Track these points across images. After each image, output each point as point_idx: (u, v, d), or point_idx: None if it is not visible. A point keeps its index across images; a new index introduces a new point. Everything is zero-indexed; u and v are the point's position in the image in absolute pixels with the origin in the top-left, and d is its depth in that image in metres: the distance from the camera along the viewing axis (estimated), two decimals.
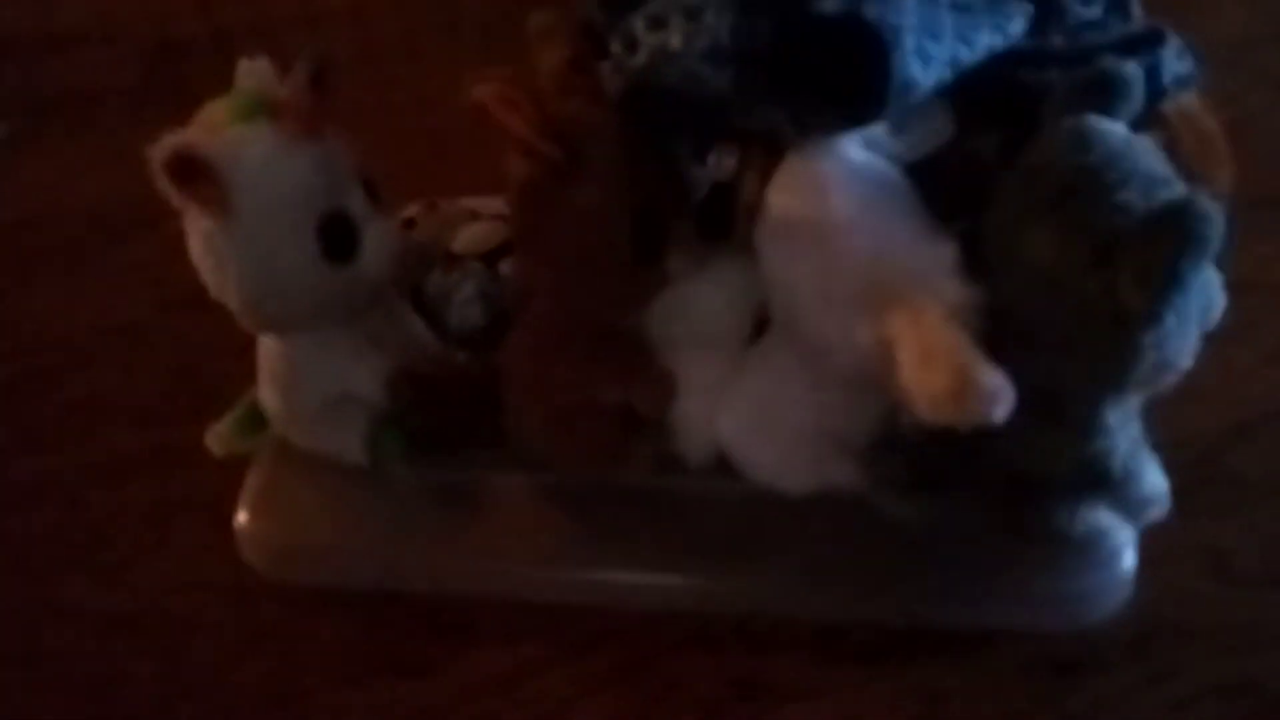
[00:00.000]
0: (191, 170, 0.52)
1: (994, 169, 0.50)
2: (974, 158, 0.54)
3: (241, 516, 0.64)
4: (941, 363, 0.42)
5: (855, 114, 0.47)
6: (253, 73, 0.58)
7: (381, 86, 1.38)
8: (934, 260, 0.46)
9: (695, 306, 0.59)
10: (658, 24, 0.50)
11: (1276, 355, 0.72)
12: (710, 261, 0.57)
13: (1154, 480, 0.54)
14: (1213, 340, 0.49)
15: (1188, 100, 0.56)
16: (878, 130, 0.51)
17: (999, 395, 0.42)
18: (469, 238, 0.75)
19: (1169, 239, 0.41)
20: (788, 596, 0.60)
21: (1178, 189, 0.44)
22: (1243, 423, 0.68)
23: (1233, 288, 0.57)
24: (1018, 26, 0.51)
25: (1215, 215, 0.41)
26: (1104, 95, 0.47)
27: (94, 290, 0.87)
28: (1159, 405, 0.52)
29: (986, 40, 0.49)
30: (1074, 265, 0.44)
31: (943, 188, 0.53)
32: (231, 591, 0.64)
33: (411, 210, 0.77)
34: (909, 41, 0.45)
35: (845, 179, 0.49)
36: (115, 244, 0.91)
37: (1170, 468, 0.55)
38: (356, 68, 1.47)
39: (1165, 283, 0.41)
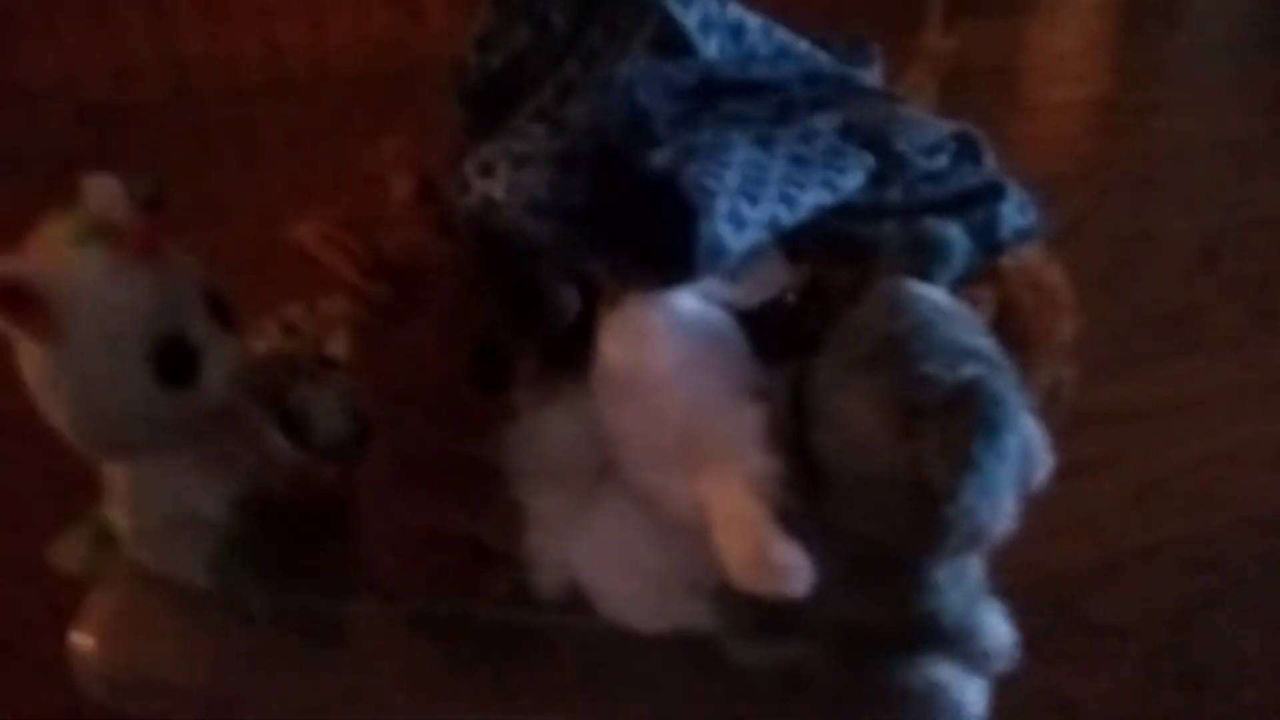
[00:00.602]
0: (18, 297, 0.51)
1: (832, 310, 0.51)
2: (825, 297, 0.54)
3: (78, 638, 0.61)
4: (742, 533, 0.42)
5: (667, 276, 0.47)
6: (97, 190, 0.57)
7: (305, 165, 1.39)
8: (743, 427, 0.46)
9: (546, 437, 0.58)
10: (486, 171, 0.50)
11: (1150, 489, 0.73)
12: (563, 391, 0.57)
13: (997, 632, 0.53)
14: (1078, 473, 0.49)
15: (1026, 254, 0.56)
16: (711, 280, 0.51)
17: (794, 572, 0.42)
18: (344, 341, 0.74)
19: (963, 420, 0.41)
20: None
21: (981, 365, 0.44)
22: (1105, 562, 0.68)
23: (1113, 416, 0.56)
24: (852, 182, 0.52)
25: (1008, 396, 0.40)
26: (925, 257, 0.48)
27: None
28: (1016, 545, 0.52)
29: (814, 198, 0.50)
30: (880, 432, 0.44)
31: (778, 328, 0.53)
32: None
33: (292, 311, 0.76)
34: (722, 206, 0.45)
35: (670, 332, 0.48)
36: None
37: (1024, 612, 0.54)
38: (279, 144, 1.50)
39: (962, 463, 0.41)
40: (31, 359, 0.54)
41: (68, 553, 0.63)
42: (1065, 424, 0.48)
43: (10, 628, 0.68)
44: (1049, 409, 0.53)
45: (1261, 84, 1.37)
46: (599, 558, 0.57)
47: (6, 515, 0.75)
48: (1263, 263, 0.95)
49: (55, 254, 0.53)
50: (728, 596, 0.55)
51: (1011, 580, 0.54)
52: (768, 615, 0.54)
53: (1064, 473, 0.47)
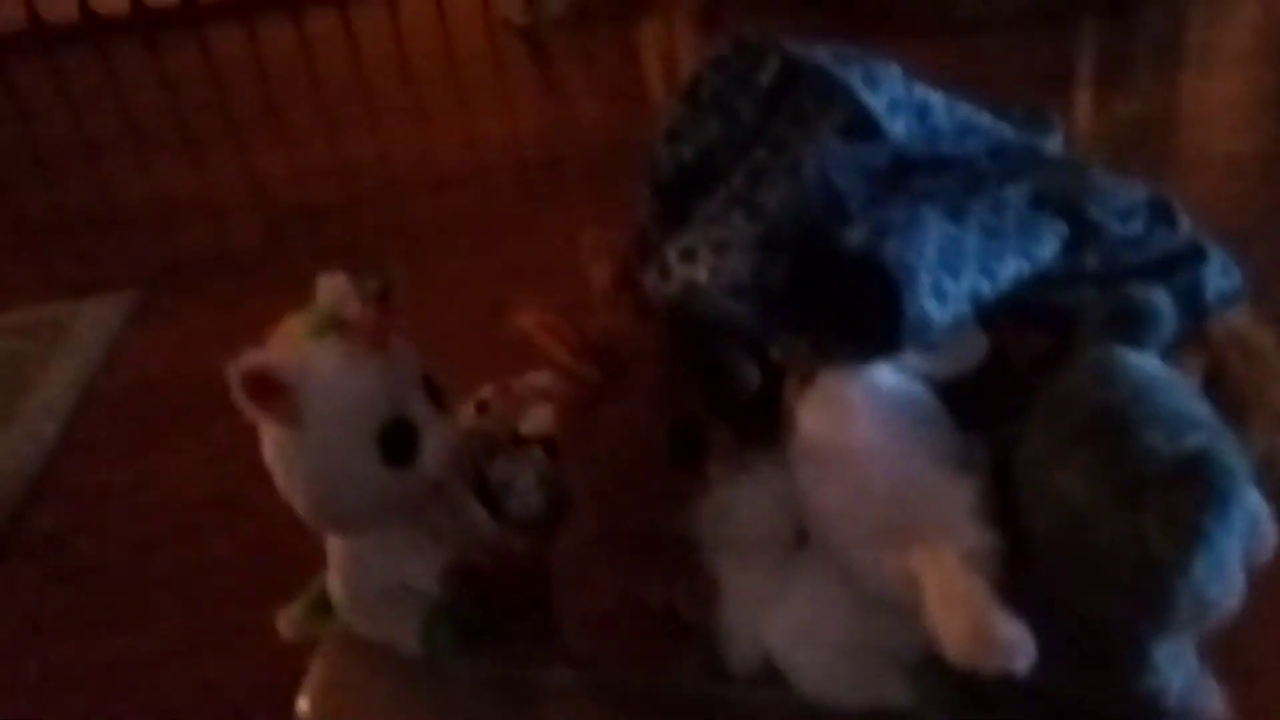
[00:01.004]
0: (265, 386, 0.56)
1: (1031, 378, 0.51)
2: (1011, 367, 0.54)
3: (302, 704, 0.66)
4: (960, 610, 0.42)
5: (870, 350, 0.48)
6: (330, 288, 0.63)
7: (474, 252, 1.47)
8: (956, 502, 0.46)
9: (739, 509, 0.59)
10: (688, 256, 0.52)
11: None
12: (754, 465, 0.58)
13: (1215, 713, 0.51)
14: None
15: (1234, 317, 0.55)
16: (909, 352, 0.52)
17: (1017, 648, 0.41)
18: (538, 420, 0.78)
19: (1191, 492, 0.40)
20: None
21: (1204, 434, 0.43)
22: None
23: None
24: (1048, 250, 0.52)
25: (1237, 468, 0.40)
26: (1133, 325, 0.47)
27: (198, 458, 0.94)
28: (1242, 624, 0.50)
29: (1012, 270, 0.50)
30: (1099, 505, 0.43)
31: (974, 393, 0.53)
32: None
33: (485, 392, 0.81)
34: (925, 280, 0.46)
35: (872, 406, 0.49)
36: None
37: (1249, 697, 0.52)
38: (444, 235, 1.58)
39: (1191, 535, 0.40)
40: (271, 441, 0.59)
41: (290, 621, 0.68)
42: None
43: (241, 694, 0.73)
44: (1268, 478, 0.51)
45: None
46: (794, 632, 0.58)
47: (234, 586, 0.81)
48: None
49: (295, 346, 0.59)
50: (930, 671, 0.55)
51: (1235, 665, 0.51)
52: (976, 692, 0.53)
53: None
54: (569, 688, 0.65)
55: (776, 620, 0.58)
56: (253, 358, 0.56)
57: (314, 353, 0.58)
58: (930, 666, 0.54)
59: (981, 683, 0.52)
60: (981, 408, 0.52)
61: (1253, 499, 0.44)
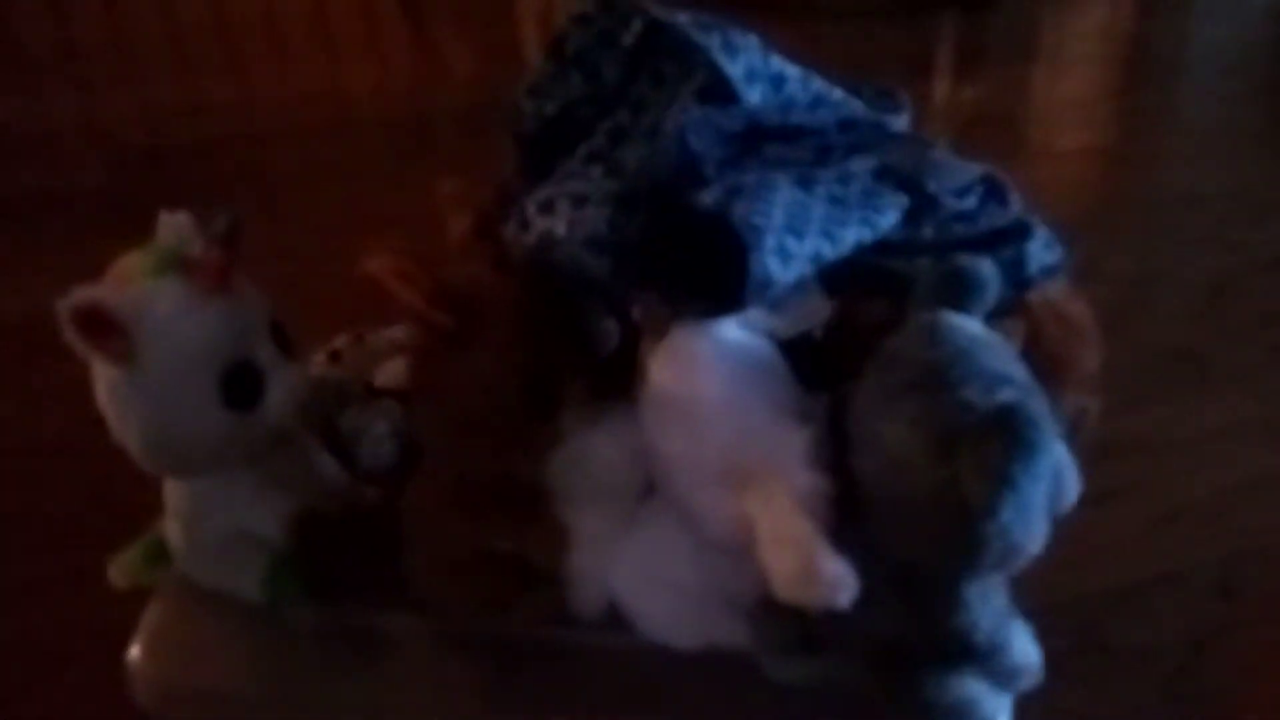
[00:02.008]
0: (99, 324, 0.54)
1: (874, 341, 0.53)
2: (856, 331, 0.57)
3: (134, 652, 0.64)
4: (789, 548, 0.44)
5: (717, 305, 0.50)
6: (172, 226, 0.60)
7: (336, 206, 1.43)
8: (789, 447, 0.48)
9: (591, 460, 0.60)
10: (547, 209, 0.53)
11: (1170, 517, 0.75)
12: (607, 416, 0.60)
13: (1024, 650, 0.56)
14: (1099, 503, 0.51)
15: (1053, 289, 0.59)
16: (754, 310, 0.54)
17: (841, 584, 0.44)
18: (392, 372, 0.77)
19: (1000, 441, 0.43)
20: None
21: (1016, 390, 0.46)
22: (1125, 588, 0.70)
23: (1127, 448, 0.58)
24: (889, 220, 0.55)
25: (1044, 421, 0.43)
26: (960, 291, 0.51)
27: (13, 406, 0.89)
28: (1041, 569, 0.54)
29: (854, 235, 0.53)
30: (920, 455, 0.46)
31: (819, 355, 0.56)
32: None
33: (338, 342, 0.79)
34: (770, 241, 0.48)
35: (715, 358, 0.51)
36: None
37: (1047, 634, 0.56)
38: (306, 187, 1.54)
39: (999, 482, 0.44)
40: (105, 382, 0.57)
41: (123, 569, 0.66)
42: (1086, 455, 0.51)
43: (65, 643, 0.70)
44: (1075, 437, 0.55)
45: (1266, 128, 1.41)
46: (638, 577, 0.59)
47: (59, 535, 0.77)
48: (1271, 301, 0.98)
49: (133, 284, 0.56)
50: (765, 613, 0.57)
51: (1035, 604, 0.56)
52: (804, 632, 0.56)
53: (1085, 502, 0.50)
54: (416, 636, 0.65)
55: (621, 565, 0.60)
56: (85, 294, 0.54)
57: (152, 290, 0.56)
58: (766, 609, 0.57)
59: (811, 624, 0.55)
60: (828, 369, 0.55)
61: (1058, 451, 0.47)
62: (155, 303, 0.56)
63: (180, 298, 0.56)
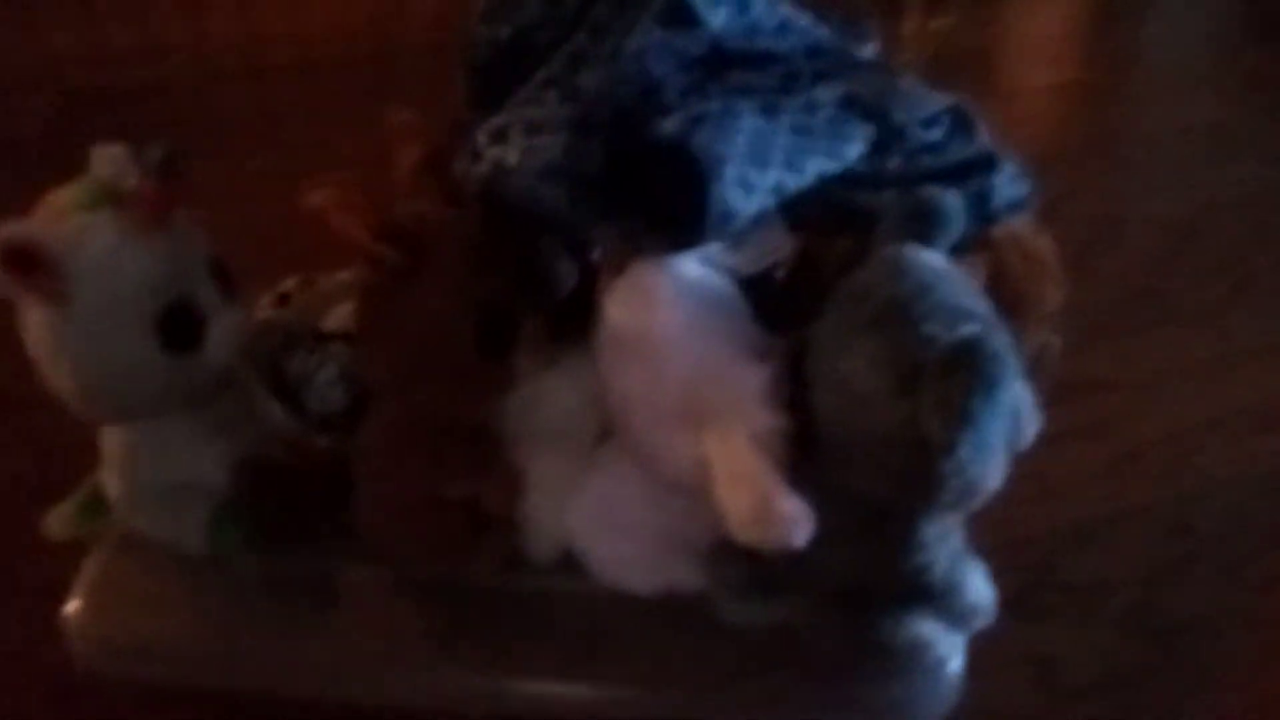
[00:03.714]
0: (29, 260, 0.51)
1: (838, 280, 0.52)
2: (819, 269, 0.56)
3: (72, 605, 0.62)
4: (745, 487, 0.43)
5: (677, 239, 0.48)
6: (106, 159, 0.57)
7: (295, 147, 1.39)
8: (747, 386, 0.47)
9: (547, 403, 0.59)
10: (499, 137, 0.51)
11: (1127, 455, 0.75)
12: (564, 358, 0.58)
13: (979, 590, 0.55)
14: (1056, 441, 0.51)
15: (1018, 223, 0.58)
16: (714, 246, 0.52)
17: (797, 522, 0.43)
18: (342, 315, 0.75)
19: (961, 376, 0.42)
20: (630, 700, 0.60)
21: (978, 325, 0.45)
22: (1081, 526, 0.70)
23: (1091, 385, 0.57)
24: (854, 151, 0.53)
25: (1004, 354, 0.42)
26: (925, 224, 0.49)
27: None
28: (998, 507, 0.54)
29: (818, 166, 0.51)
30: (881, 390, 0.45)
31: (782, 296, 0.54)
32: (57, 688, 0.62)
33: (288, 285, 0.77)
34: (731, 172, 0.46)
35: (673, 295, 0.50)
36: None
37: (1003, 572, 0.56)
38: (263, 128, 1.49)
39: (959, 417, 0.43)
40: (36, 323, 0.54)
41: (60, 520, 0.64)
42: (1047, 393, 0.50)
43: (3, 595, 0.68)
44: (1037, 373, 0.54)
45: (1233, 69, 1.40)
46: (594, 521, 0.59)
47: None
48: (1235, 241, 0.97)
49: (65, 219, 0.53)
50: (722, 555, 0.57)
51: (991, 542, 0.56)
52: (761, 574, 0.55)
53: (1044, 439, 0.49)
54: (369, 584, 0.64)
55: (577, 510, 0.59)
56: (13, 229, 0.51)
57: (85, 225, 0.53)
58: (722, 551, 0.56)
59: (768, 565, 0.54)
60: (791, 309, 0.53)
61: (1018, 387, 0.47)
62: (88, 238, 0.53)
63: (115, 233, 0.53)
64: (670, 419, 0.49)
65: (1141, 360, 0.81)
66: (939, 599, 0.54)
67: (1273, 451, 0.75)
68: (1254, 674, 0.62)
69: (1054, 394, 0.50)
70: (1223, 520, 0.71)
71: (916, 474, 0.46)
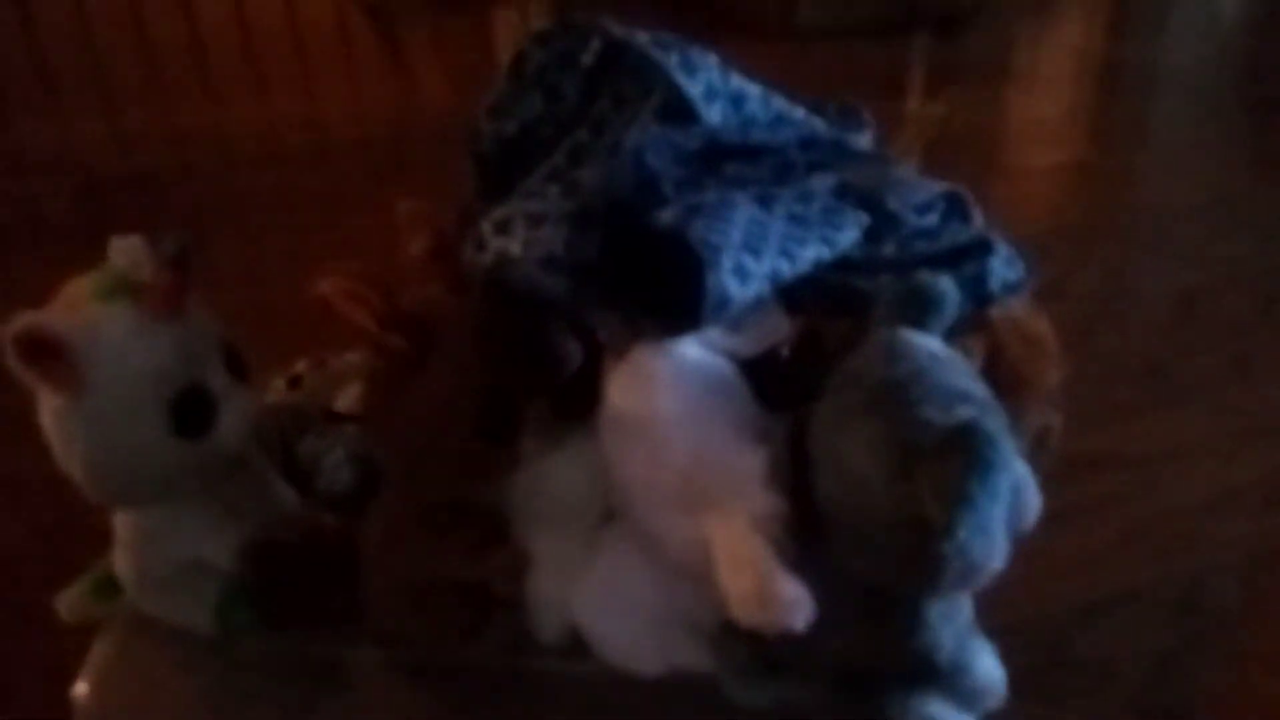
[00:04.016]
0: (46, 349, 0.53)
1: (835, 358, 0.53)
2: (821, 350, 0.57)
3: (80, 688, 0.62)
4: (745, 570, 0.44)
5: (676, 324, 0.49)
6: (123, 250, 0.59)
7: (311, 230, 1.42)
8: (747, 469, 0.47)
9: (551, 483, 0.60)
10: (503, 228, 0.52)
11: (1135, 533, 0.75)
12: (568, 439, 0.59)
13: (987, 670, 0.55)
14: (1063, 519, 0.51)
15: (1015, 305, 0.59)
16: (714, 330, 0.53)
17: (797, 606, 0.43)
18: (353, 397, 0.76)
19: (958, 459, 0.43)
20: None
21: (975, 408, 0.46)
22: (1093, 604, 0.69)
23: (1090, 464, 0.57)
24: (848, 238, 0.55)
25: (1000, 436, 0.43)
26: (920, 308, 0.50)
27: None
28: (1004, 587, 0.54)
29: (812, 253, 0.52)
30: (879, 474, 0.46)
31: (787, 374, 0.55)
32: None
33: (300, 366, 0.78)
34: (727, 260, 0.48)
35: (674, 378, 0.51)
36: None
37: (1014, 651, 0.56)
38: (280, 211, 1.53)
39: (957, 500, 0.43)
40: (51, 409, 0.56)
41: (71, 603, 0.64)
42: (1050, 472, 0.51)
43: (8, 678, 0.68)
44: (1038, 454, 0.55)
45: (1235, 146, 1.43)
46: (599, 601, 0.58)
47: (4, 569, 0.75)
48: (1238, 315, 0.98)
49: (82, 309, 0.55)
50: (727, 637, 0.56)
51: (1000, 622, 0.55)
52: (765, 655, 0.55)
53: (1049, 518, 0.49)
54: (375, 666, 0.63)
55: (582, 590, 0.58)
56: (30, 318, 0.53)
57: (101, 315, 0.55)
58: (727, 632, 0.56)
59: (772, 646, 0.54)
60: (794, 389, 0.54)
61: (1018, 469, 0.47)
62: (103, 327, 0.54)
63: (129, 322, 0.55)
64: (671, 501, 0.49)
65: (1145, 437, 0.81)
66: (947, 679, 0.53)
67: (1277, 528, 0.75)
68: None
69: (1058, 471, 0.51)
70: (1228, 597, 0.70)
71: (917, 556, 0.46)
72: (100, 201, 1.59)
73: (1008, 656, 0.55)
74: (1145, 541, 0.74)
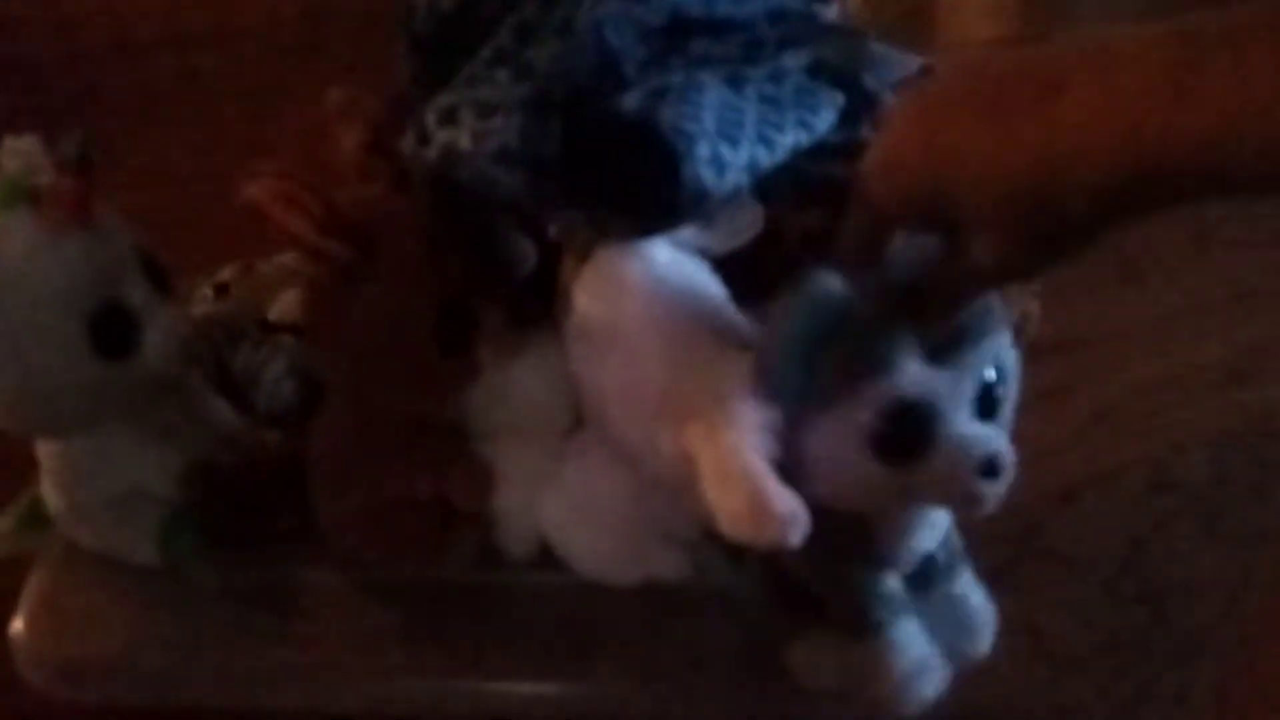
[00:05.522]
0: None
1: (802, 253, 0.50)
2: (782, 242, 0.53)
3: (17, 624, 0.58)
4: (736, 485, 0.41)
5: (647, 224, 0.45)
6: (18, 153, 0.52)
7: (219, 119, 1.32)
8: (730, 377, 0.44)
9: (513, 394, 0.56)
10: (448, 119, 0.47)
11: (1095, 417, 0.75)
12: (528, 346, 0.55)
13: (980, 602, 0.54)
14: (1032, 406, 0.50)
15: None
16: (686, 227, 0.49)
17: (793, 520, 0.41)
18: (287, 304, 0.70)
19: None
20: (614, 694, 0.59)
21: None
22: (1063, 490, 0.69)
23: (1050, 349, 0.56)
24: (825, 121, 0.51)
25: None
26: None
27: None
28: None
29: (790, 139, 0.48)
30: None
31: (751, 272, 0.52)
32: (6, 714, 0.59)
33: (226, 273, 0.73)
34: (703, 150, 0.44)
35: (647, 282, 0.47)
36: None
37: (986, 544, 0.55)
38: (184, 100, 1.42)
39: None
40: None
41: (4, 536, 0.60)
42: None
43: None
44: (1018, 341, 0.53)
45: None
46: (570, 513, 0.56)
47: None
48: None
49: None
50: (704, 546, 0.55)
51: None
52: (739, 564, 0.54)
53: (1018, 406, 0.48)
54: (332, 588, 0.61)
55: (550, 502, 0.56)
56: None
57: (1, 228, 0.49)
58: (704, 539, 0.54)
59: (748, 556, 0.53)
60: (752, 282, 0.51)
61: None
62: (5, 240, 0.49)
63: (30, 235, 0.49)
64: (649, 414, 0.46)
65: (1106, 317, 0.80)
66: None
67: (1243, 404, 0.75)
68: (1243, 635, 0.63)
69: (1023, 357, 0.49)
70: (1197, 475, 0.71)
71: None
72: (36, 83, 1.46)
73: (979, 550, 0.55)
74: (1113, 424, 0.74)
